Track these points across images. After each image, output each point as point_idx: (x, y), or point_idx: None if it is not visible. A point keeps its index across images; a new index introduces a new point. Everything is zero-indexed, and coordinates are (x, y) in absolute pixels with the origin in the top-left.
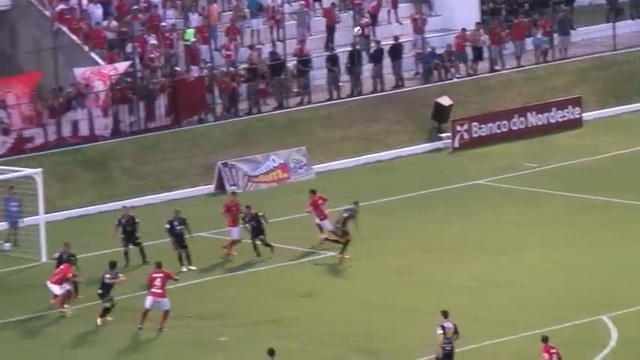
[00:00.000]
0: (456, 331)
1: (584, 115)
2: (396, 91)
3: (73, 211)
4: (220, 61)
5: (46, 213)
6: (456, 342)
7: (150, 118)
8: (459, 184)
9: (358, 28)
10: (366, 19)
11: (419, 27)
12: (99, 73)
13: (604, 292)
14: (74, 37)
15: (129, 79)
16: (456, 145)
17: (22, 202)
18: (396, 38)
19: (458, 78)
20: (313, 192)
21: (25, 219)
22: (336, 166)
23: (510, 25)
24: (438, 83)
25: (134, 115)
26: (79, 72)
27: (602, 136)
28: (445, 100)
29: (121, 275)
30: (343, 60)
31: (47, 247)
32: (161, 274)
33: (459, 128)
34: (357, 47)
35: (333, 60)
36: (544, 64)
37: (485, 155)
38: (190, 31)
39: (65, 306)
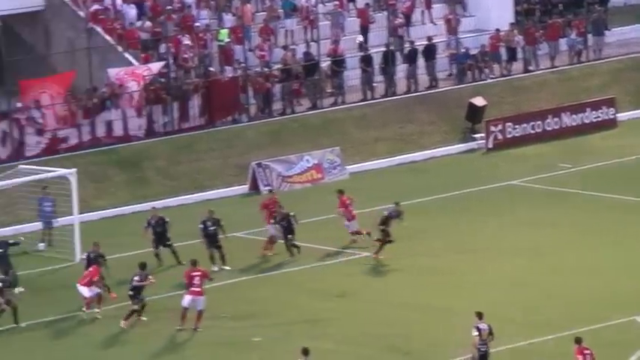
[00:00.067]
0: (490, 332)
1: (618, 115)
2: (429, 91)
3: (107, 211)
4: (254, 61)
5: (81, 213)
6: (490, 343)
7: (184, 119)
8: (492, 184)
9: (360, 38)
10: (400, 20)
11: (452, 27)
12: (133, 74)
13: (638, 292)
14: (108, 38)
15: (163, 80)
16: (490, 145)
17: (55, 202)
18: (429, 39)
19: (492, 78)
20: (341, 192)
21: (59, 219)
22: (370, 167)
23: (544, 25)
24: (472, 84)
25: (168, 115)
26: (113, 72)
27: (637, 137)
28: (479, 101)
29: (150, 277)
30: (377, 60)
31: (81, 247)
32: (199, 272)
33: (492, 129)
34: (391, 48)
35: (367, 60)
36: (578, 65)
37: (519, 156)
38: (224, 32)
39: (96, 309)
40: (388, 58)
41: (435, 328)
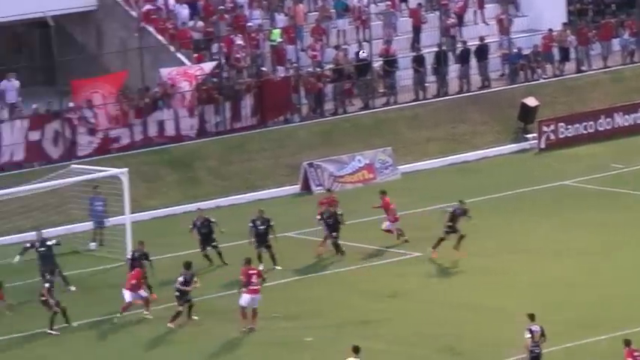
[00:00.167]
0: (542, 334)
1: None
2: (482, 91)
3: (158, 211)
4: (306, 61)
5: (132, 213)
6: (543, 344)
7: (236, 119)
8: (545, 184)
9: (363, 51)
10: (452, 20)
11: (505, 27)
12: (185, 74)
13: None
14: (160, 38)
15: (215, 80)
16: (542, 145)
17: (107, 201)
18: (481, 39)
19: (544, 79)
20: (384, 193)
21: (110, 219)
22: (422, 167)
23: (597, 25)
24: (525, 84)
25: (220, 115)
26: (165, 72)
27: None
28: (531, 101)
29: (195, 279)
30: (429, 60)
31: (132, 247)
32: (255, 271)
33: (545, 129)
34: (444, 48)
35: (419, 60)
36: (631, 65)
37: (571, 156)
38: (276, 32)
39: (145, 312)
40: (440, 58)
41: (487, 329)
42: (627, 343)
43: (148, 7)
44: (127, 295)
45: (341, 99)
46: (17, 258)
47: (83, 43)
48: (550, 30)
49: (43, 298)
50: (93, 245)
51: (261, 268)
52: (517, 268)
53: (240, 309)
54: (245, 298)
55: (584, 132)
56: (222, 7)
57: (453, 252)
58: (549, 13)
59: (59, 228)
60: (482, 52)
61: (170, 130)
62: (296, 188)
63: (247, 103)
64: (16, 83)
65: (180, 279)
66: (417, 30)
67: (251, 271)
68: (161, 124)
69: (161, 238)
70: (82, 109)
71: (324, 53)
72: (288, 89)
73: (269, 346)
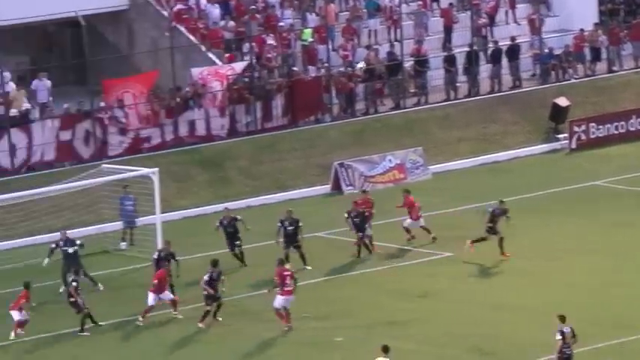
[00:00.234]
0: (573, 335)
1: None
2: (513, 91)
3: (189, 210)
4: (337, 61)
5: (163, 212)
6: (574, 345)
7: (266, 118)
8: (576, 185)
9: (359, 63)
10: (483, 20)
11: (536, 27)
12: (216, 73)
13: None
14: (191, 37)
15: (246, 79)
16: (574, 145)
17: (137, 201)
18: (513, 39)
19: (575, 79)
20: (407, 191)
21: (141, 218)
22: (453, 167)
23: (629, 25)
24: (556, 84)
25: (251, 115)
26: (196, 72)
27: None
28: (563, 101)
29: (223, 277)
30: (461, 60)
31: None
32: (289, 272)
33: (576, 129)
34: (475, 48)
35: (450, 60)
36: None
37: (602, 156)
38: (308, 31)
39: (173, 312)
40: (472, 58)
41: (517, 329)
42: None
43: (179, 6)
44: (151, 298)
45: (372, 99)
46: (46, 261)
47: (114, 42)
48: (581, 30)
49: (72, 299)
50: (123, 245)
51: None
52: (548, 267)
53: (275, 311)
54: (279, 300)
55: (615, 132)
56: (253, 6)
57: (486, 252)
58: (581, 13)
59: (90, 227)
60: (513, 52)
61: (201, 129)
62: (327, 188)
63: (278, 102)
64: (48, 83)
65: (206, 277)
66: (448, 30)
67: (285, 272)
68: (192, 124)
69: (192, 237)
70: (113, 108)
71: (356, 53)
72: (319, 89)
73: (299, 345)
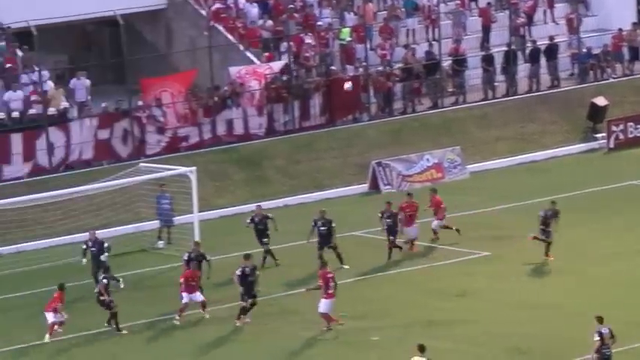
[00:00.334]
0: (612, 335)
1: None
2: (551, 91)
3: (226, 209)
4: (375, 60)
5: (200, 211)
6: (612, 345)
7: (304, 117)
8: (614, 184)
9: (348, 84)
10: (521, 19)
11: (574, 27)
12: (254, 72)
13: None
14: (229, 36)
15: (284, 78)
16: (612, 145)
17: (173, 199)
18: (551, 38)
19: (614, 78)
20: (434, 191)
21: (178, 217)
22: (491, 166)
23: None
24: (594, 83)
25: (289, 114)
26: (234, 71)
27: None
28: (601, 101)
29: (258, 272)
30: (499, 60)
31: (201, 245)
32: (332, 274)
33: (614, 128)
34: (513, 47)
35: (488, 60)
36: None
37: None
38: (346, 31)
39: (201, 311)
40: (510, 58)
41: (556, 329)
42: None
43: (217, 5)
44: (184, 297)
45: (410, 98)
46: (84, 260)
47: (152, 41)
48: (620, 29)
49: (102, 298)
50: (161, 244)
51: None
52: (586, 267)
53: (322, 315)
54: (326, 305)
55: None
56: (291, 5)
57: (527, 252)
58: (619, 13)
59: (127, 226)
60: (551, 51)
61: (239, 128)
62: (364, 187)
63: (316, 102)
64: (86, 82)
65: (238, 272)
66: (486, 29)
67: (329, 275)
68: (230, 123)
69: (229, 236)
70: (151, 107)
71: (394, 52)
72: (357, 88)
73: (335, 345)
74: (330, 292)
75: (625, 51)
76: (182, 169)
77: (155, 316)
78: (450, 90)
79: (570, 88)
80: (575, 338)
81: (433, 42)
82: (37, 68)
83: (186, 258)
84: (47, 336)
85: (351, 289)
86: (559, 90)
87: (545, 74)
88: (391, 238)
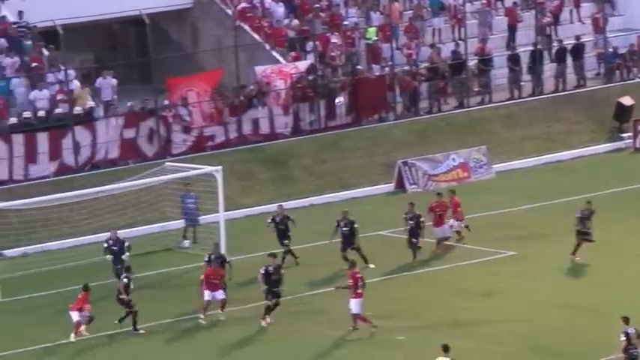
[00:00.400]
0: (638, 336)
1: None
2: (577, 90)
3: (252, 208)
4: (401, 59)
5: (226, 210)
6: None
7: (330, 117)
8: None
9: (340, 100)
10: (547, 19)
11: (600, 27)
12: (280, 72)
13: None
14: (255, 36)
15: (310, 78)
16: (638, 145)
17: (198, 198)
18: (577, 38)
19: None
20: (453, 192)
21: (205, 216)
22: (517, 166)
23: None
24: (620, 83)
25: (314, 113)
26: (260, 70)
27: None
28: (627, 100)
29: (283, 271)
30: (525, 59)
31: (227, 244)
32: (360, 275)
33: None
34: (539, 47)
35: (514, 59)
36: None
37: None
38: (372, 30)
39: (220, 311)
40: (536, 57)
41: (582, 329)
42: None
43: (243, 5)
44: (206, 294)
45: (436, 97)
46: (109, 257)
47: (178, 40)
48: None
49: (121, 296)
50: (186, 243)
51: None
52: (610, 268)
53: (356, 316)
54: (356, 304)
55: None
56: (317, 5)
57: (546, 252)
58: None
59: (153, 225)
60: (577, 51)
61: (264, 128)
62: (390, 187)
63: (342, 101)
64: (112, 81)
65: (262, 270)
66: (512, 29)
67: (358, 275)
68: (256, 122)
69: (255, 235)
70: (177, 106)
71: (420, 52)
72: (383, 88)
73: (360, 344)
74: (358, 291)
75: None
76: (208, 169)
77: (180, 315)
78: (476, 89)
79: (596, 87)
80: (601, 338)
81: (459, 41)
82: (63, 67)
83: (207, 259)
84: (72, 335)
85: (377, 289)
86: (585, 90)
87: (572, 74)
88: (414, 240)
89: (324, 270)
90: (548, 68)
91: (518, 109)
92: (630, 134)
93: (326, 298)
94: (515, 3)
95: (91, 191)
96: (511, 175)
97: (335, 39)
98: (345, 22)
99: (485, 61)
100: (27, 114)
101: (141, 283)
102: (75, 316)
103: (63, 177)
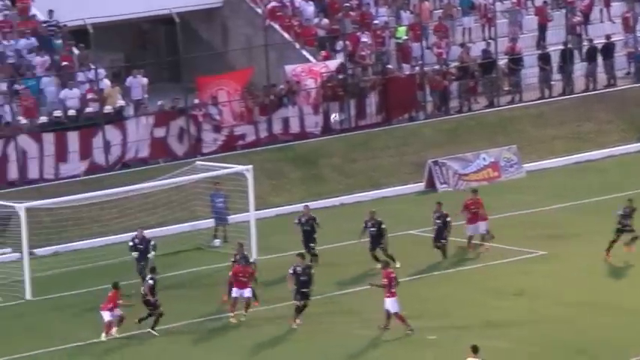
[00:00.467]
0: None
1: None
2: (608, 89)
3: (282, 208)
4: (432, 58)
5: (256, 210)
6: None
7: (360, 116)
8: None
9: (335, 116)
10: (578, 18)
11: (630, 26)
12: (310, 71)
13: None
14: (285, 35)
15: (340, 77)
16: None
17: (228, 197)
18: (607, 37)
19: None
20: (475, 192)
21: (235, 215)
22: (547, 165)
23: None
24: None
25: (344, 112)
26: (290, 69)
27: None
28: None
29: (313, 271)
30: (555, 58)
31: (257, 243)
32: (394, 274)
33: None
34: (569, 46)
35: (545, 58)
36: None
37: None
38: (402, 29)
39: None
40: (566, 56)
41: (613, 328)
42: None
43: (273, 4)
44: (234, 292)
45: (466, 97)
46: (135, 254)
47: (208, 39)
48: None
49: (148, 298)
50: (217, 242)
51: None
52: None
53: (396, 315)
54: (394, 303)
55: None
56: (347, 4)
57: (577, 251)
58: None
59: (183, 224)
60: (608, 50)
61: (295, 127)
62: (420, 186)
63: (372, 100)
64: (143, 80)
65: (290, 270)
66: (542, 28)
67: (392, 274)
68: (286, 122)
69: (285, 235)
70: (207, 106)
71: (450, 51)
72: (413, 87)
73: (391, 344)
74: (393, 290)
75: None
76: (238, 168)
77: (210, 314)
78: (506, 89)
79: (627, 87)
80: (633, 337)
81: (489, 41)
82: (93, 66)
83: (232, 259)
84: (103, 335)
85: (408, 288)
86: (615, 89)
87: (602, 73)
88: (442, 241)
89: (353, 269)
90: (579, 67)
91: (548, 109)
92: None
93: (355, 297)
94: (545, 2)
95: (121, 190)
96: (541, 174)
97: (365, 38)
98: (375, 21)
99: (516, 61)
100: (57, 113)
101: (172, 282)
102: (106, 316)
103: (93, 176)
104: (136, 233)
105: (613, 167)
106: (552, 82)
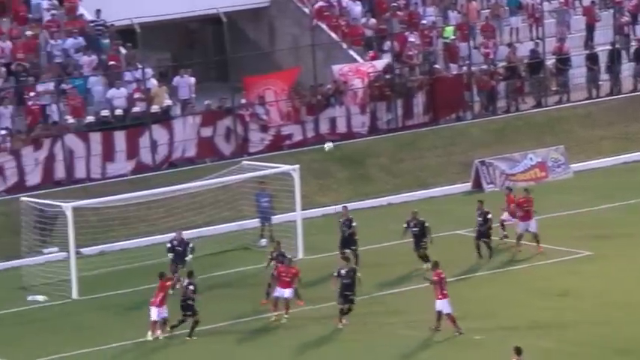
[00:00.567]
0: None
1: None
2: None
3: (329, 207)
4: (479, 58)
5: (303, 209)
6: None
7: (407, 116)
8: None
9: (330, 145)
10: (626, 18)
11: None
12: (357, 71)
13: None
14: (332, 34)
15: (387, 77)
16: None
17: (273, 197)
18: None
19: None
20: (510, 190)
21: (282, 215)
22: (595, 165)
23: None
24: None
25: (392, 112)
26: (337, 69)
27: None
28: None
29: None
30: (603, 59)
31: (304, 243)
32: (444, 274)
33: None
34: (617, 46)
35: (592, 58)
36: None
37: None
38: (449, 29)
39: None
40: (614, 57)
41: None
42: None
43: (320, 3)
44: (277, 291)
45: (513, 97)
46: (170, 255)
47: (255, 39)
48: None
49: (190, 302)
50: (264, 242)
51: (424, 267)
52: None
53: (448, 316)
54: (446, 304)
55: None
56: (395, 4)
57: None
58: None
59: (230, 224)
60: None
61: (342, 127)
62: (467, 186)
63: (419, 100)
64: (190, 80)
65: (335, 273)
66: (590, 28)
67: (442, 275)
68: (333, 121)
69: (331, 235)
70: (254, 105)
71: (497, 51)
72: (460, 87)
73: (438, 344)
74: (444, 292)
75: None
76: (285, 167)
77: (256, 314)
78: (554, 89)
79: None
80: None
81: (537, 40)
82: (140, 66)
83: (269, 257)
84: (149, 334)
85: (453, 289)
86: None
87: None
88: (484, 240)
89: (399, 269)
90: (626, 67)
91: (596, 109)
92: None
93: (401, 297)
94: (593, 2)
95: (168, 190)
96: (589, 174)
97: (412, 38)
98: (423, 21)
99: (563, 61)
100: (104, 112)
101: (218, 281)
102: (154, 313)
103: (140, 175)
104: (174, 234)
105: None
106: (600, 83)
